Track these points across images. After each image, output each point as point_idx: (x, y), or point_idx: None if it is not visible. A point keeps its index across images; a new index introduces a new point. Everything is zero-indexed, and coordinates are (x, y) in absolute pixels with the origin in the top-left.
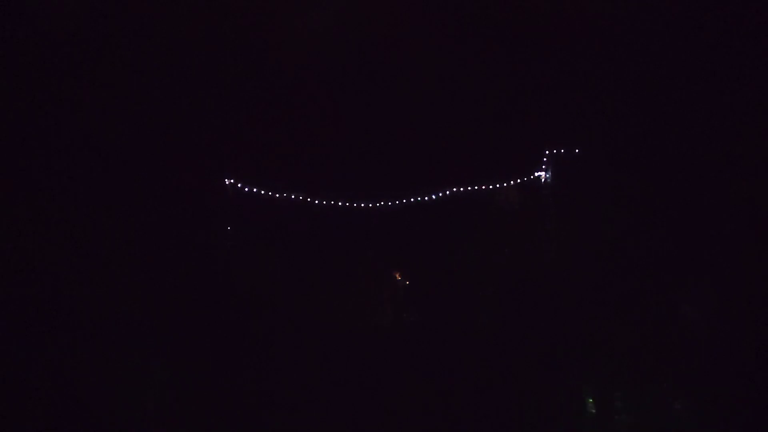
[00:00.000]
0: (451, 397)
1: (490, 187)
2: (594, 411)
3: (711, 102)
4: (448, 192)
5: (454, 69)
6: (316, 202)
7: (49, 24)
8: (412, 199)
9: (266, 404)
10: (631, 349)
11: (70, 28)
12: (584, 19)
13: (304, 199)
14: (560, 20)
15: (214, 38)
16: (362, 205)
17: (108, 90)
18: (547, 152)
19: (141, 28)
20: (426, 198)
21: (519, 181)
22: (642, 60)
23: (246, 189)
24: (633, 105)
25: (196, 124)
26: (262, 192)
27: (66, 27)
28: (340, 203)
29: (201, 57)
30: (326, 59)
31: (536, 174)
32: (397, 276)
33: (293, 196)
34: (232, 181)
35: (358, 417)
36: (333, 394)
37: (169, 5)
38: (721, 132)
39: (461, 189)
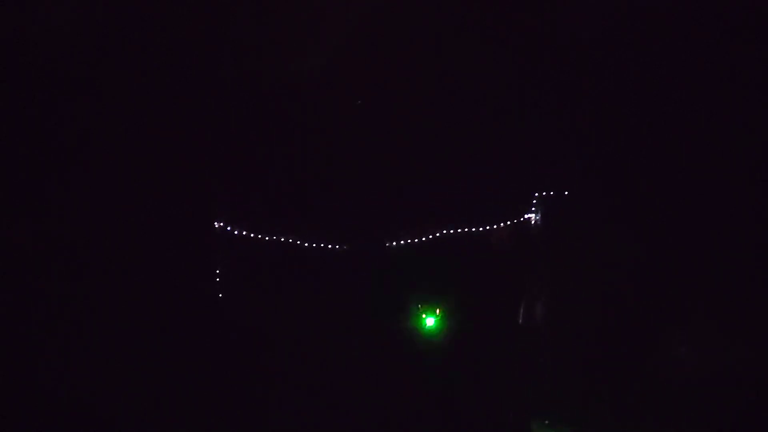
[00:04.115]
0: None
1: (481, 229)
2: None
3: (703, 146)
4: (438, 234)
5: (444, 111)
6: (305, 244)
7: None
8: (402, 242)
9: None
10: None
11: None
12: (575, 64)
13: (294, 242)
14: (551, 64)
15: (205, 80)
16: (351, 247)
17: (104, 133)
18: (536, 194)
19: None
20: (416, 240)
21: (510, 222)
22: (633, 102)
23: (236, 232)
24: (622, 147)
25: (187, 166)
26: (252, 235)
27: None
28: (329, 246)
29: (192, 100)
30: (317, 106)
31: (526, 216)
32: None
33: (283, 239)
34: (221, 224)
35: None
36: None
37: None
38: (715, 174)
39: (452, 231)
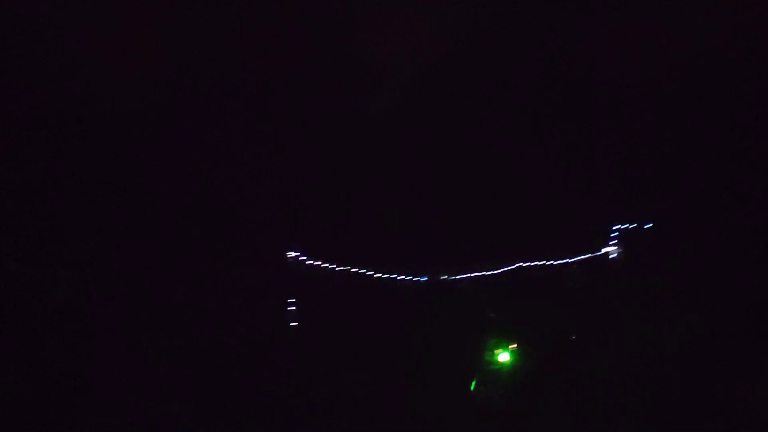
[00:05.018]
0: None
1: (555, 263)
2: None
3: None
4: (511, 268)
5: (520, 140)
6: (379, 275)
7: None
8: (474, 274)
9: None
10: None
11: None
12: (655, 93)
13: (366, 273)
14: (630, 93)
15: (276, 112)
16: (425, 278)
17: (177, 164)
18: (616, 227)
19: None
20: (488, 273)
21: (586, 257)
22: (716, 129)
23: (309, 261)
24: (708, 176)
25: (260, 195)
26: (325, 264)
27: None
28: (402, 277)
29: (264, 129)
30: (391, 140)
31: (604, 250)
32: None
33: (355, 269)
34: (296, 253)
35: None
36: None
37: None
38: None
39: (525, 265)
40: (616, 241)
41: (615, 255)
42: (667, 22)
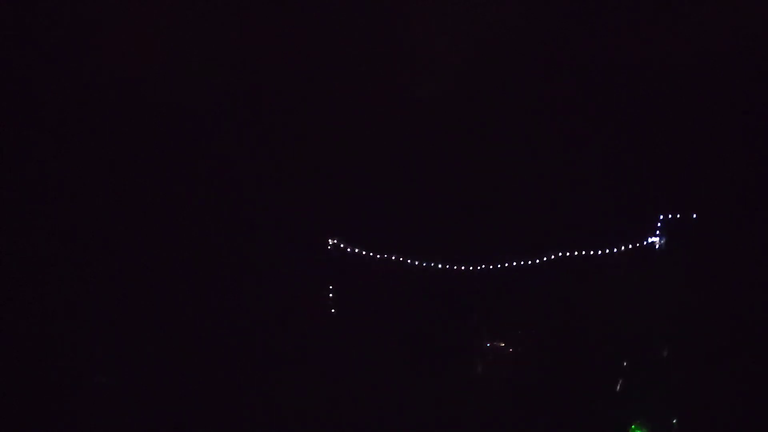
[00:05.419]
0: None
1: (599, 253)
2: None
3: None
4: (553, 257)
5: (562, 130)
6: (417, 263)
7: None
8: (515, 263)
9: None
10: None
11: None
12: (703, 85)
13: (405, 260)
14: (678, 85)
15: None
16: (464, 267)
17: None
18: (661, 217)
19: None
20: (530, 262)
21: (630, 247)
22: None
23: (348, 249)
24: (757, 165)
25: (302, 185)
26: (364, 252)
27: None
28: (440, 265)
29: (305, 123)
30: (431, 130)
31: (649, 240)
32: (500, 344)
33: (394, 257)
34: (335, 241)
35: None
36: None
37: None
38: None
39: (568, 254)
40: (661, 231)
41: (660, 245)
42: (729, 13)
